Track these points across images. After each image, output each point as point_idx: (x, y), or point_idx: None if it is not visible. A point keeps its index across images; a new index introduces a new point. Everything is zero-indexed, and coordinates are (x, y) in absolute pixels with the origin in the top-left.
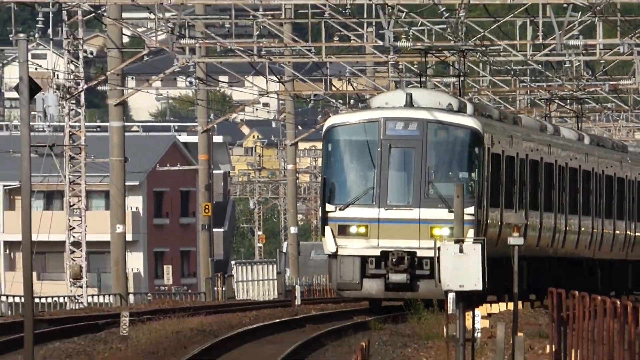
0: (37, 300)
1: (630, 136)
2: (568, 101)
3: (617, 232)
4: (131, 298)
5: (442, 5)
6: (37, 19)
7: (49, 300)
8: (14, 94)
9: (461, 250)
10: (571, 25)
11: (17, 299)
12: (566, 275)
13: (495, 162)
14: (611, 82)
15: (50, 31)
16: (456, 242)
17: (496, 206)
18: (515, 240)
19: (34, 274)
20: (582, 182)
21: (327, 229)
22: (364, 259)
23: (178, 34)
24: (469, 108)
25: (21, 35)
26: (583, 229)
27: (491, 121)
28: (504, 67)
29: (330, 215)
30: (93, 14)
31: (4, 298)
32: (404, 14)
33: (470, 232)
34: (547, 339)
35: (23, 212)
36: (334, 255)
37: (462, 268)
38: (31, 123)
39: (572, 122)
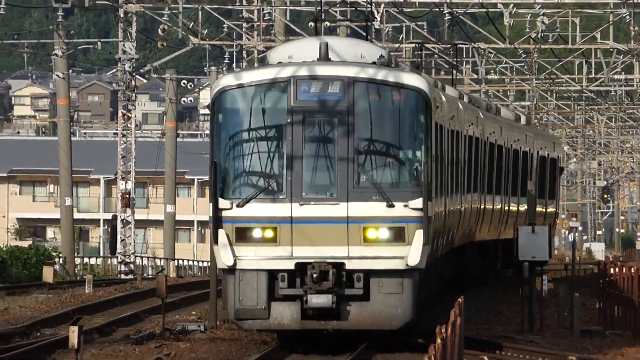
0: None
1: None
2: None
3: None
4: None
5: (520, 49)
6: (225, 56)
7: None
8: (207, 111)
9: (533, 231)
10: (615, 64)
11: (205, 264)
12: None
13: (439, 136)
14: None
15: (234, 65)
16: (529, 224)
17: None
18: (573, 223)
19: None
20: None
21: (221, 232)
22: (272, 275)
23: None
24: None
25: (212, 68)
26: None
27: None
28: (566, 94)
29: (224, 214)
30: (265, 52)
31: (196, 263)
32: (492, 55)
33: (419, 234)
34: (596, 297)
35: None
36: (231, 270)
37: (534, 244)
38: None
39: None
